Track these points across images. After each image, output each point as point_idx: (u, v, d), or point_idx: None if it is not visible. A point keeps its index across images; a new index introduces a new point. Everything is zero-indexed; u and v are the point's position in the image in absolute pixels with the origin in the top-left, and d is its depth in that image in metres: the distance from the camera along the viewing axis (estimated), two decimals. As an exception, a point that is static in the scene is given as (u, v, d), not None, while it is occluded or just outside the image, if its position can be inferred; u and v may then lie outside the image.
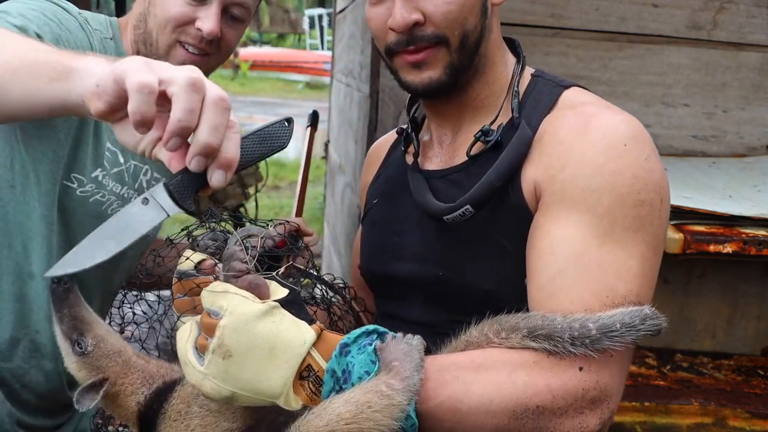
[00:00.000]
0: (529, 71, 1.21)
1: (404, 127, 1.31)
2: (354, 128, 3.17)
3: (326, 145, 5.21)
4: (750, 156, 2.47)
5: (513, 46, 1.23)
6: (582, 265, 0.99)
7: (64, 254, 1.39)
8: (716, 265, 2.15)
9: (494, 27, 1.17)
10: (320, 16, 24.98)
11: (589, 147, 1.04)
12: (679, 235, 1.78)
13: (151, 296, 1.50)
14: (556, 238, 1.01)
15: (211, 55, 1.42)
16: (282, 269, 1.12)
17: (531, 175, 1.07)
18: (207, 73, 1.46)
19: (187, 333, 0.96)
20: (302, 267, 1.24)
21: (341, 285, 1.34)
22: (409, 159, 1.27)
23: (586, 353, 0.93)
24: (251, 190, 3.34)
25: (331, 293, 1.30)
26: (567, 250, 1.00)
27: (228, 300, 0.91)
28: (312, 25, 26.82)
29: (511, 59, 1.21)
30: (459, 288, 1.13)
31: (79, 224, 1.43)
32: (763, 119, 2.48)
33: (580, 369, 0.94)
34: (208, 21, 1.35)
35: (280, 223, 1.21)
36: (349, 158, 3.29)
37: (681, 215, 1.86)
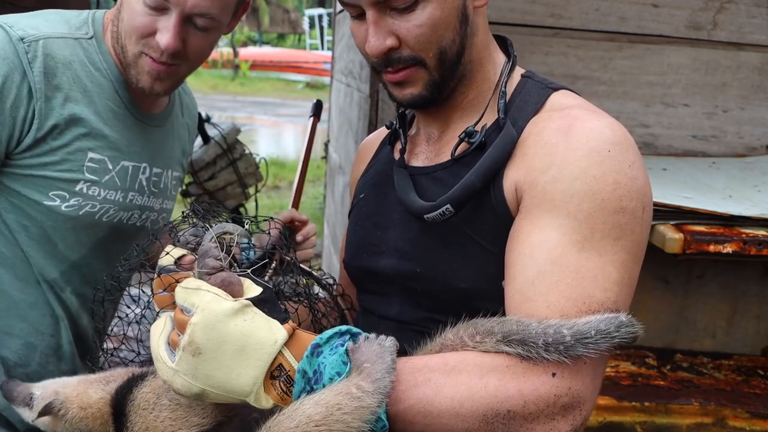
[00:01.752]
0: (519, 72, 1.19)
1: (393, 121, 1.31)
2: (354, 128, 3.17)
3: (326, 145, 5.22)
4: (750, 156, 2.47)
5: (504, 44, 1.22)
6: (560, 269, 0.97)
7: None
8: (716, 265, 2.15)
9: (479, 28, 1.15)
10: (320, 16, 24.99)
11: (572, 150, 1.02)
12: (679, 235, 1.78)
13: (133, 290, 1.51)
14: (535, 242, 1.00)
15: (179, 64, 1.38)
16: (265, 262, 1.12)
17: (513, 176, 1.06)
18: (182, 79, 1.44)
19: (161, 328, 0.97)
20: (291, 259, 1.23)
21: (330, 283, 1.34)
22: (397, 155, 1.27)
23: (559, 359, 0.92)
24: (251, 190, 3.33)
25: (317, 289, 1.29)
26: (545, 253, 0.99)
27: (200, 297, 0.91)
28: (312, 25, 26.84)
29: (501, 58, 1.20)
30: (436, 286, 1.13)
31: (69, 235, 1.42)
32: (763, 119, 2.48)
33: (553, 375, 0.93)
34: (165, 33, 1.31)
35: (266, 220, 1.21)
36: (349, 158, 3.29)
37: (681, 215, 1.86)
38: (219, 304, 0.90)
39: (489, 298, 1.07)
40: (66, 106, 1.35)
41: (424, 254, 1.15)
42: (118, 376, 1.11)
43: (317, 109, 1.73)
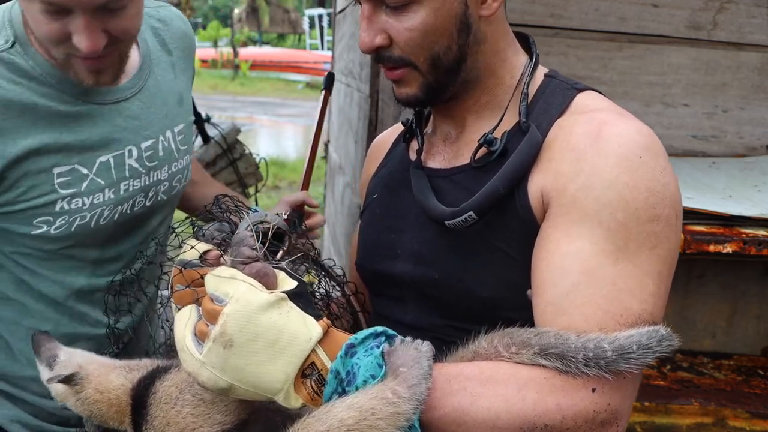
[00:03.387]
0: (542, 71, 1.14)
1: (410, 118, 1.27)
2: (354, 128, 3.17)
3: (326, 145, 5.22)
4: (750, 156, 2.47)
5: (527, 42, 1.17)
6: (595, 281, 0.94)
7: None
8: (716, 265, 2.15)
9: (489, 36, 1.10)
10: (320, 16, 25.01)
11: (602, 157, 0.98)
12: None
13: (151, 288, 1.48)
14: (567, 252, 0.96)
15: (112, 51, 1.24)
16: (283, 250, 1.09)
17: (539, 182, 1.02)
18: (123, 58, 1.31)
19: (186, 317, 0.92)
20: (301, 248, 1.19)
21: (343, 281, 1.30)
22: (412, 155, 1.23)
23: (599, 375, 0.89)
24: (251, 190, 3.34)
25: (331, 284, 1.25)
26: (579, 265, 0.95)
27: (234, 287, 0.87)
28: (312, 25, 26.87)
29: (521, 60, 1.14)
30: (455, 293, 1.10)
31: (75, 250, 1.36)
32: (763, 119, 2.48)
33: (593, 390, 0.90)
34: (81, 39, 1.16)
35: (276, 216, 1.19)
36: (349, 158, 3.30)
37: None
38: (255, 295, 0.86)
39: (511, 307, 1.04)
40: (6, 143, 1.23)
41: (442, 260, 1.11)
42: (142, 365, 1.08)
43: (329, 82, 1.69)
